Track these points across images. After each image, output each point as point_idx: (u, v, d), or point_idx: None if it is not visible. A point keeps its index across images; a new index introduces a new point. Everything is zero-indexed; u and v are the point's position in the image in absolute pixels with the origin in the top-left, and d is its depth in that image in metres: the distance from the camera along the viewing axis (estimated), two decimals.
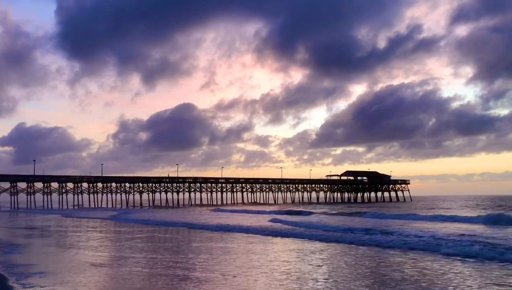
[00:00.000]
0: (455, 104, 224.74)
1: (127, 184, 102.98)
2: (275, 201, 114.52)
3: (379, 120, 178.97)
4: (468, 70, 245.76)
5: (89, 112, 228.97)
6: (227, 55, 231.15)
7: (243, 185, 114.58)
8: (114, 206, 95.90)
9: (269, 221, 36.90)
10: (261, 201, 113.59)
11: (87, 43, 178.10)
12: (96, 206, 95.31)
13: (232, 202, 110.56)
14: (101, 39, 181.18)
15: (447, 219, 36.04)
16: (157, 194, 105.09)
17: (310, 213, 50.14)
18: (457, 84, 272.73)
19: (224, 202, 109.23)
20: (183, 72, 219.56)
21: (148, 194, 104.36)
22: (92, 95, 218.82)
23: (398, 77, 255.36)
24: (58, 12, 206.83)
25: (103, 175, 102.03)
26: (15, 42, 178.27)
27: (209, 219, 43.30)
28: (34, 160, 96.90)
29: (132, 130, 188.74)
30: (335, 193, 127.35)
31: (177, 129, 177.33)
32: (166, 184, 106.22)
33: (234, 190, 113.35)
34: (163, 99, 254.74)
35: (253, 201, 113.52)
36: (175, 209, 79.49)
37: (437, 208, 66.70)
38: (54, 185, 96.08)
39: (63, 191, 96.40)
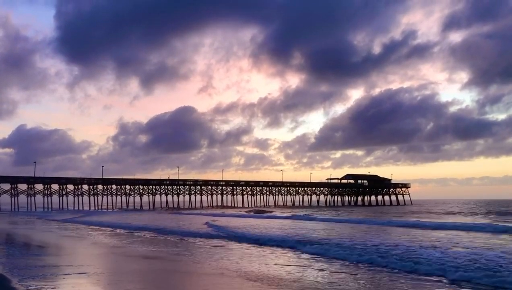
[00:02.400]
0: (452, 109, 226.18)
1: (128, 186, 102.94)
2: (275, 204, 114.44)
3: (377, 124, 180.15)
4: (463, 76, 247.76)
5: (88, 115, 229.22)
6: (225, 60, 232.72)
7: (244, 188, 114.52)
8: (113, 208, 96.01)
9: (204, 223, 39.44)
10: (261, 204, 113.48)
11: (85, 48, 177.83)
12: (96, 208, 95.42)
13: (232, 205, 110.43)
14: (99, 44, 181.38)
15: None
16: (157, 196, 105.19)
17: (266, 217, 53.09)
18: (452, 89, 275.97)
19: (225, 204, 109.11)
20: (180, 76, 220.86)
21: (149, 196, 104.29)
22: (91, 98, 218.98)
23: (394, 82, 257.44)
24: (57, 17, 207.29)
25: (103, 177, 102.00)
26: (15, 46, 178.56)
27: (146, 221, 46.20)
28: (35, 162, 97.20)
29: (132, 132, 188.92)
30: (336, 197, 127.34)
31: (177, 132, 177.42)
32: (166, 187, 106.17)
33: (235, 192, 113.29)
34: (161, 102, 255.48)
35: (254, 204, 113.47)
36: (139, 213, 77.43)
37: (409, 212, 67.12)
38: (55, 187, 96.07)
39: (64, 193, 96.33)
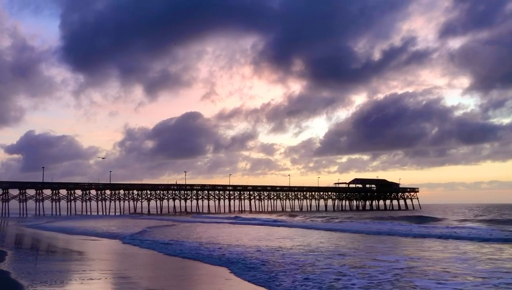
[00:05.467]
0: (456, 113, 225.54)
1: (135, 191, 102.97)
2: (282, 209, 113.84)
3: (381, 129, 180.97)
4: (464, 81, 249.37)
5: (94, 121, 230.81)
6: (228, 67, 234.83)
7: (251, 192, 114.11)
8: (121, 213, 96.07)
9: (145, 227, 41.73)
10: (269, 209, 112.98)
11: (90, 56, 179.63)
12: (104, 213, 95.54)
13: (240, 209, 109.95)
14: (103, 52, 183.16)
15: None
16: (165, 201, 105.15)
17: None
18: (453, 95, 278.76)
19: (232, 209, 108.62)
20: (184, 83, 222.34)
21: (156, 201, 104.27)
22: (96, 105, 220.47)
23: (395, 87, 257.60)
24: (62, 27, 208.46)
25: (111, 183, 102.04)
26: (22, 55, 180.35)
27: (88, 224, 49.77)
28: (43, 168, 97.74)
29: (138, 138, 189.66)
30: (344, 201, 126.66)
31: (183, 137, 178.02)
32: (174, 192, 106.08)
33: (242, 197, 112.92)
34: (165, 109, 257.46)
35: (261, 209, 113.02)
36: (95, 218, 76.83)
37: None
38: (63, 192, 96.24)
39: (72, 198, 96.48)
